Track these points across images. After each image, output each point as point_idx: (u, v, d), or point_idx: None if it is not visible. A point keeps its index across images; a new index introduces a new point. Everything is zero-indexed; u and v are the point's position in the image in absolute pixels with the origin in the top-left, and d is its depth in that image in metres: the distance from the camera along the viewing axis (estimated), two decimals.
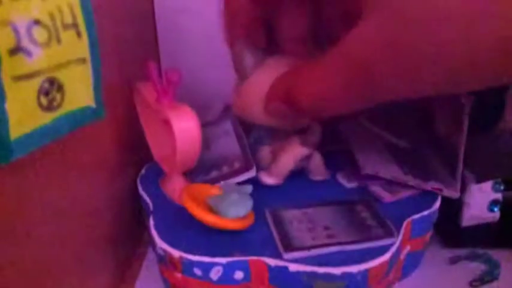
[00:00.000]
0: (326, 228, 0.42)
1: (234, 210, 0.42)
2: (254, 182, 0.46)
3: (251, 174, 0.47)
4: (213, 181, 0.48)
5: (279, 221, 0.43)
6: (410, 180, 0.47)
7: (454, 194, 0.46)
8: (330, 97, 0.31)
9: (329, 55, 0.30)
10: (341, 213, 0.44)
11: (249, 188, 0.44)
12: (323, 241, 0.40)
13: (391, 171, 0.48)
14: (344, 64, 0.29)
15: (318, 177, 0.51)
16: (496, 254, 0.49)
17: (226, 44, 0.42)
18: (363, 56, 0.27)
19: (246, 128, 0.53)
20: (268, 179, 0.49)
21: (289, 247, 0.39)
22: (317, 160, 0.50)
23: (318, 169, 0.50)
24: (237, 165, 0.50)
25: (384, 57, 0.26)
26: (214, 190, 0.45)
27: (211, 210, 0.42)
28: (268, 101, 0.39)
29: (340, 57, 0.29)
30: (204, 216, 0.41)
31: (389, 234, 0.41)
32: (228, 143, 0.54)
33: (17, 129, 0.27)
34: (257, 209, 0.44)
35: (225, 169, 0.50)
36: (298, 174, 0.50)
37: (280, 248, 0.40)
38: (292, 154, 0.48)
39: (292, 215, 0.44)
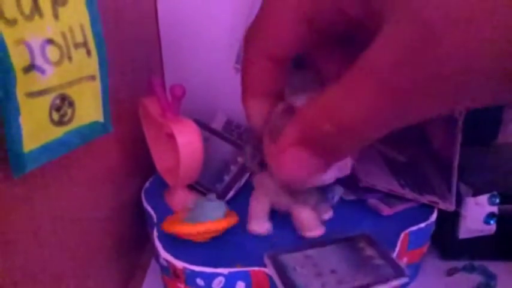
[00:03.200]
0: (333, 271, 0.39)
1: (214, 213, 0.43)
2: None
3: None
4: (233, 183, 0.51)
5: (280, 267, 0.40)
6: (408, 193, 0.48)
7: (449, 207, 0.46)
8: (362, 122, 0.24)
9: (351, 78, 0.24)
10: (345, 253, 0.42)
11: (213, 196, 0.45)
12: None
13: (388, 184, 0.49)
14: (373, 86, 0.23)
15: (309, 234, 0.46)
16: (492, 265, 0.49)
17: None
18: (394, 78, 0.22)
19: None
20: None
21: None
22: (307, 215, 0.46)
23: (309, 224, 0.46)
24: (240, 160, 0.52)
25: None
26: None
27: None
28: (280, 152, 0.29)
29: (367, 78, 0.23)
30: (196, 227, 0.43)
31: (401, 274, 0.38)
32: (216, 145, 0.55)
33: (30, 143, 0.28)
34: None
35: (233, 168, 0.52)
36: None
37: None
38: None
39: (293, 260, 0.41)
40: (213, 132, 0.56)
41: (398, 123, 0.25)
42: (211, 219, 0.43)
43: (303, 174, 0.29)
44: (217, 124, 0.63)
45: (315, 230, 0.45)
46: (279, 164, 0.29)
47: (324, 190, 0.44)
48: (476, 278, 0.49)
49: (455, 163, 0.45)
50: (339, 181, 0.45)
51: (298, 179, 0.30)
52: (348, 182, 0.49)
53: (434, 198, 0.47)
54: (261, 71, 0.31)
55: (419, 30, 0.21)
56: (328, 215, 0.48)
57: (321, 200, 0.45)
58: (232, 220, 0.44)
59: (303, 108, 0.27)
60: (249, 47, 0.30)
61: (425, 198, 0.47)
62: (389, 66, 0.22)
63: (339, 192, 0.45)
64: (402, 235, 0.44)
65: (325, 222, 0.47)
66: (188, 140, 0.45)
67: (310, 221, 0.45)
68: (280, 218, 0.47)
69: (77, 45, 0.31)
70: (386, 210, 0.47)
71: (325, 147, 0.27)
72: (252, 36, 0.30)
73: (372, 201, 0.48)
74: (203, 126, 0.55)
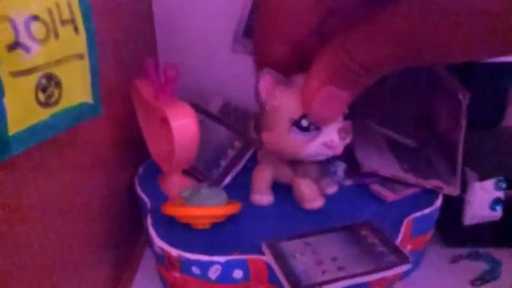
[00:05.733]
0: (334, 259, 0.39)
1: (217, 199, 0.43)
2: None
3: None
4: (229, 168, 0.50)
5: (279, 255, 0.39)
6: (411, 178, 0.47)
7: (453, 191, 0.46)
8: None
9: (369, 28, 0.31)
10: (346, 241, 0.41)
11: (204, 184, 0.45)
12: (335, 275, 0.36)
13: (391, 169, 0.48)
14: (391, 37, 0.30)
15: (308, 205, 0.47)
16: (497, 253, 0.49)
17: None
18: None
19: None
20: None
21: (298, 286, 0.35)
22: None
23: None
24: (238, 144, 0.51)
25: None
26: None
27: None
28: (317, 91, 0.36)
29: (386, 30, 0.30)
30: (200, 210, 0.42)
31: (404, 261, 0.38)
32: (213, 129, 0.54)
33: (15, 125, 0.27)
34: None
35: (230, 152, 0.51)
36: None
37: None
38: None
39: (293, 247, 0.40)
40: (209, 115, 0.55)
41: (406, 65, 0.31)
42: (215, 204, 0.42)
43: (334, 108, 0.36)
44: (214, 107, 0.62)
45: (314, 202, 0.46)
46: (313, 103, 0.35)
47: (324, 164, 0.44)
48: (481, 265, 0.48)
49: (460, 146, 0.44)
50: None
51: (331, 113, 0.37)
52: (348, 167, 0.48)
53: (439, 183, 0.46)
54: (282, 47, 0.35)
55: None
56: (332, 189, 0.48)
57: (322, 173, 0.45)
58: (236, 206, 0.44)
59: (327, 51, 0.33)
60: (270, 24, 0.33)
61: (429, 183, 0.46)
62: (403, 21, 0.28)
63: (341, 167, 0.45)
64: (405, 221, 0.43)
65: (328, 201, 0.47)
66: (182, 124, 0.44)
67: (309, 192, 0.46)
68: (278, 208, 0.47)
69: (63, 22, 0.30)
70: (390, 197, 0.46)
71: (349, 82, 0.33)
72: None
73: (375, 187, 0.47)
74: (199, 109, 0.53)
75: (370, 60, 0.32)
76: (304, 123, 0.38)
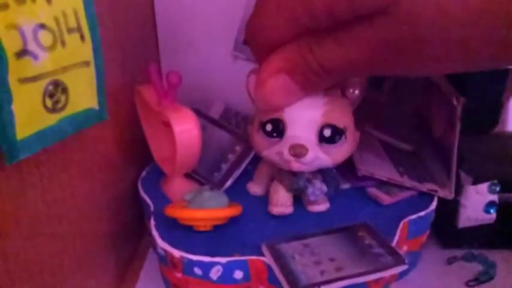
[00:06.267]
0: (332, 260, 0.39)
1: (219, 201, 0.44)
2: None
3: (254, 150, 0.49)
4: (230, 172, 0.51)
5: (278, 256, 0.39)
6: (406, 181, 0.47)
7: (448, 195, 0.46)
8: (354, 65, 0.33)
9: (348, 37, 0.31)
10: (344, 242, 0.41)
11: (206, 187, 0.46)
12: (333, 275, 0.37)
13: (386, 172, 0.48)
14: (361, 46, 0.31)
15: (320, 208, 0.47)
16: (492, 254, 0.49)
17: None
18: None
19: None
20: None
21: (297, 287, 0.36)
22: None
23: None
24: (238, 148, 0.51)
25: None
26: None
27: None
28: (270, 75, 0.36)
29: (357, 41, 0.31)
30: (202, 213, 0.43)
31: (400, 262, 0.38)
32: (214, 134, 0.55)
33: (23, 130, 0.27)
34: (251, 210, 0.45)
35: (231, 157, 0.51)
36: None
37: None
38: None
39: (292, 248, 0.40)
40: (211, 120, 0.56)
41: (369, 73, 0.36)
42: (216, 206, 0.43)
43: (281, 97, 0.38)
44: (215, 112, 0.62)
45: (276, 208, 0.46)
46: (264, 86, 0.36)
47: (299, 177, 0.45)
48: (476, 266, 0.49)
49: (455, 150, 0.45)
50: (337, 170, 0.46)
51: (276, 101, 0.38)
52: (344, 170, 0.49)
53: (434, 186, 0.47)
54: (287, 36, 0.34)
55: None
56: (314, 207, 0.47)
57: (292, 185, 0.45)
58: (237, 209, 0.44)
59: (292, 45, 0.34)
60: (280, 10, 0.33)
61: (425, 186, 0.47)
62: (374, 42, 0.30)
63: (316, 188, 0.45)
64: (402, 224, 0.44)
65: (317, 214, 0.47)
66: (185, 129, 0.45)
67: (275, 196, 0.46)
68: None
69: (70, 30, 0.31)
70: (386, 199, 0.47)
71: (305, 79, 0.35)
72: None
73: (372, 190, 0.48)
74: (200, 114, 0.54)
75: (333, 63, 0.33)
76: (268, 127, 0.41)
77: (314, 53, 0.33)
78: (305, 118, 0.40)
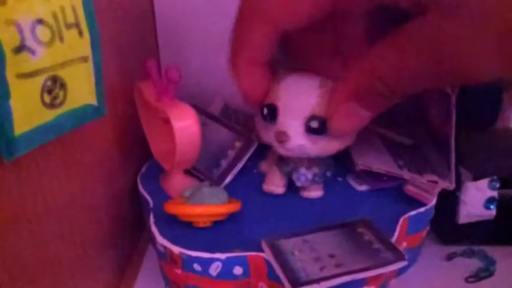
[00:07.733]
0: (331, 256, 0.39)
1: (218, 197, 0.44)
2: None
3: (254, 146, 0.50)
4: (230, 168, 0.51)
5: (278, 252, 0.39)
6: (405, 174, 0.47)
7: (449, 185, 0.46)
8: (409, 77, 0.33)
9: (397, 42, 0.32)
10: (343, 238, 0.41)
11: (206, 183, 0.46)
12: (332, 271, 0.37)
13: (385, 165, 0.48)
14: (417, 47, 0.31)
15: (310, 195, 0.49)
16: (491, 250, 0.49)
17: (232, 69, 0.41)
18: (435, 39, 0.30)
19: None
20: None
21: (297, 283, 0.35)
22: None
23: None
24: (238, 144, 0.51)
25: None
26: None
27: None
28: (338, 106, 0.39)
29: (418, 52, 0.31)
30: (201, 209, 0.43)
31: (400, 258, 0.38)
32: (213, 130, 0.55)
33: (21, 126, 0.27)
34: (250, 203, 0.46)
35: (231, 153, 0.51)
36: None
37: (287, 285, 0.36)
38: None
39: (291, 244, 0.41)
40: (210, 117, 0.56)
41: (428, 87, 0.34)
42: (216, 202, 0.43)
43: (354, 124, 0.39)
44: (215, 109, 0.62)
45: (269, 186, 0.49)
46: (337, 117, 0.39)
47: (289, 163, 0.47)
48: (476, 262, 0.49)
49: (452, 139, 0.45)
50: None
51: (349, 129, 0.40)
52: (363, 173, 0.49)
53: (434, 177, 0.47)
54: (267, 41, 0.36)
55: None
56: (305, 194, 0.49)
57: (282, 169, 0.48)
58: (236, 205, 0.44)
59: (352, 73, 0.36)
60: (256, 14, 0.35)
61: (424, 178, 0.47)
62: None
63: (302, 175, 0.47)
64: (401, 220, 0.44)
65: (325, 200, 0.49)
66: (184, 125, 0.44)
67: (269, 175, 0.49)
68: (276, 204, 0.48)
69: (68, 26, 0.31)
70: (429, 199, 0.46)
71: (374, 103, 0.36)
72: (261, 3, 0.34)
73: (411, 188, 0.47)
74: (200, 110, 0.54)
75: (398, 83, 0.33)
76: (264, 111, 0.43)
77: (381, 77, 0.33)
78: (295, 107, 0.42)
